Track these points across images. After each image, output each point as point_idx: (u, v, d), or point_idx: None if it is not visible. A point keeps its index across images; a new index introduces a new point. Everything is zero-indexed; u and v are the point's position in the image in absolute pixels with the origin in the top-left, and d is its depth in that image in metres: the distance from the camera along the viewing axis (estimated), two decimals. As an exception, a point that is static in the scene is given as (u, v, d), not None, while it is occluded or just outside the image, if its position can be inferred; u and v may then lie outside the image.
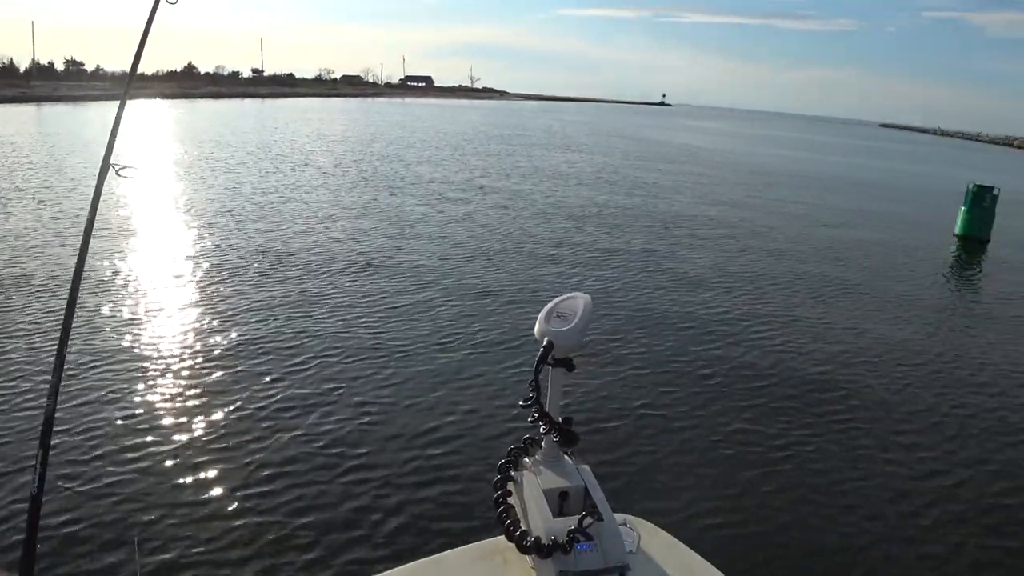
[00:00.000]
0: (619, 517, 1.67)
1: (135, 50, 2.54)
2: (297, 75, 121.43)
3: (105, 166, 2.18)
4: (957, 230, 16.16)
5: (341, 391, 5.99)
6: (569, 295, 1.65)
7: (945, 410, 6.64)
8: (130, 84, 2.63)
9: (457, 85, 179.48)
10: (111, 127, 2.20)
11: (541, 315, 1.62)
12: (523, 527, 1.48)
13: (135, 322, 7.30)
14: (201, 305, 8.01)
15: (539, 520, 1.44)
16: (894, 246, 14.79)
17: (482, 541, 1.64)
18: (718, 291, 10.12)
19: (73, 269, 2.11)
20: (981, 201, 15.76)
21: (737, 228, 15.47)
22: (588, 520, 1.41)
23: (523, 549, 1.43)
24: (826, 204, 21.15)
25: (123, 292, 8.25)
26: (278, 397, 5.82)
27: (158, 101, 52.00)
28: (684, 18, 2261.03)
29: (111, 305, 7.75)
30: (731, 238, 14.22)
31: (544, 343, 1.55)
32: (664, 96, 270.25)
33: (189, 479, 4.60)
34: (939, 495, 5.15)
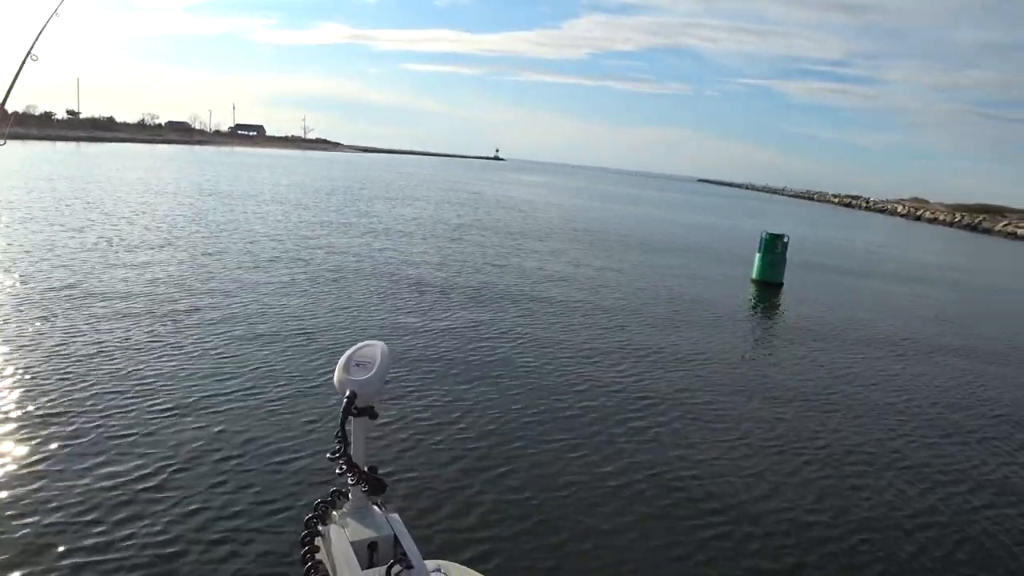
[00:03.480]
0: (432, 563, 1.70)
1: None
2: (118, 118, 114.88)
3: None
4: (754, 275, 17.63)
5: (138, 439, 5.78)
6: (365, 343, 1.66)
7: (748, 431, 7.26)
8: None
9: (290, 135, 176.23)
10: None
11: (340, 365, 1.62)
12: None
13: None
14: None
15: (347, 573, 1.42)
16: (698, 292, 15.88)
17: None
18: (519, 335, 10.42)
19: None
20: (773, 248, 17.28)
21: (548, 278, 16.10)
22: (397, 568, 1.39)
23: None
24: (635, 254, 22.45)
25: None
26: (80, 442, 5.57)
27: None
28: (521, 76, 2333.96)
29: None
30: (539, 287, 14.81)
31: (347, 394, 1.55)
32: (498, 151, 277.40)
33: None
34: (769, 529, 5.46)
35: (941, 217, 79.77)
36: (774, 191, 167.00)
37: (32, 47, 2.64)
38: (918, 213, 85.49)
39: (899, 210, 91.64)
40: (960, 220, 74.90)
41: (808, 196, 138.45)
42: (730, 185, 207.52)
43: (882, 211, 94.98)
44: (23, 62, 2.53)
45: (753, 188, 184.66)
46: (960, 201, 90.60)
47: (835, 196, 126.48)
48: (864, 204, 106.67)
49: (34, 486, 4.96)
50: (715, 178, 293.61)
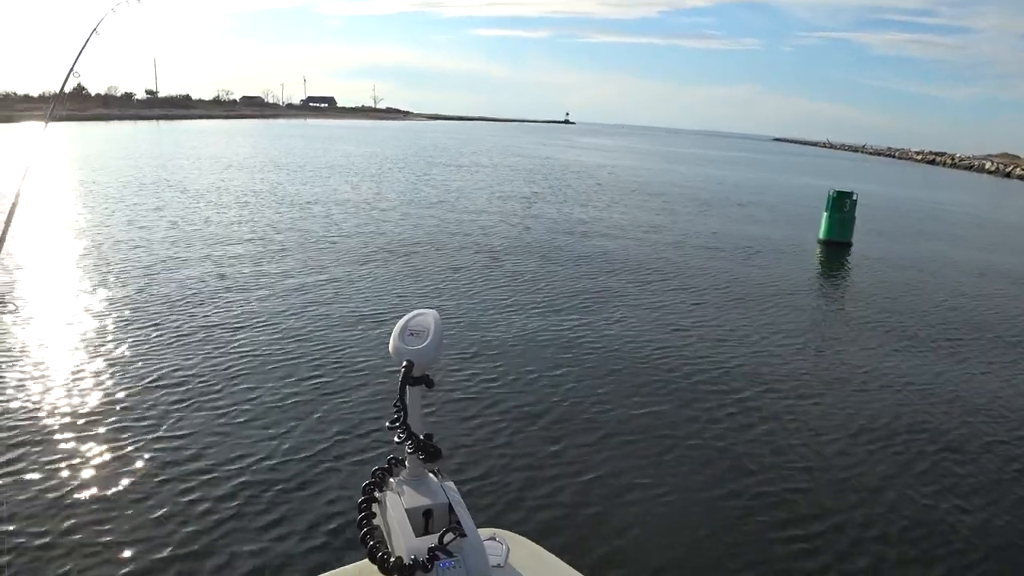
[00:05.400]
0: (488, 531, 1.72)
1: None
2: (194, 96, 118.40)
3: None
4: (821, 235, 17.24)
5: (197, 416, 6.01)
6: (418, 312, 1.68)
7: (817, 403, 7.14)
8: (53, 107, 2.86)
9: (360, 106, 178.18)
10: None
11: (395, 334, 1.62)
12: (388, 548, 1.47)
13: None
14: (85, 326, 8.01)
15: (401, 539, 1.44)
16: (764, 252, 15.65)
17: (347, 565, 1.64)
18: (577, 297, 10.48)
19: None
20: (841, 206, 16.81)
21: (620, 246, 16.05)
22: (450, 536, 1.41)
23: (385, 570, 1.41)
24: (706, 216, 22.11)
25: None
26: (148, 418, 5.92)
27: (41, 124, 49.84)
28: (590, 38, 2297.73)
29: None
30: (609, 255, 14.79)
31: (404, 363, 1.57)
32: (568, 114, 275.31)
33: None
34: (821, 498, 5.26)
35: (1033, 173, 75.77)
36: (853, 148, 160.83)
37: (74, 65, 2.87)
38: (1008, 170, 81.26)
39: (987, 167, 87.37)
40: (1053, 176, 70.96)
41: (889, 153, 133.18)
42: (806, 143, 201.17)
43: (969, 168, 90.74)
44: (66, 77, 2.75)
45: (831, 146, 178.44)
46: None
47: (918, 153, 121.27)
48: (949, 161, 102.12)
49: (101, 462, 5.34)
50: (791, 136, 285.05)
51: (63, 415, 5.71)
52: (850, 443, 6.17)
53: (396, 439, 1.53)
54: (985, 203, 39.82)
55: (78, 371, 6.65)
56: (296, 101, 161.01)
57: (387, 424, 1.53)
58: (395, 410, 1.53)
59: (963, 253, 17.98)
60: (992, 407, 7.27)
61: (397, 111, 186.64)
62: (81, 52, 2.94)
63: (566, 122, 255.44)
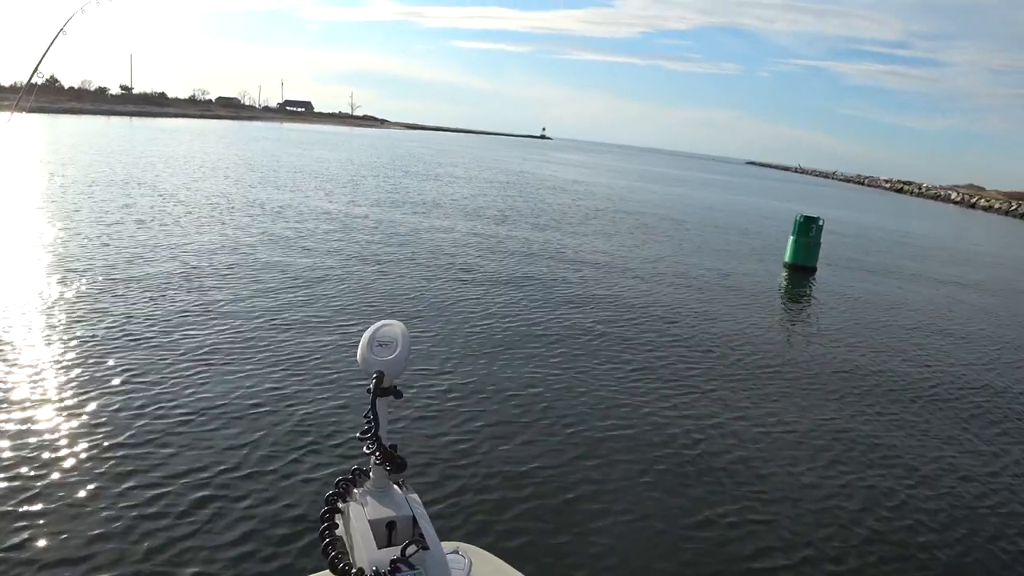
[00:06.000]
0: (451, 545, 1.72)
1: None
2: (169, 94, 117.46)
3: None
4: (786, 259, 17.45)
5: (159, 424, 5.98)
6: (384, 323, 1.66)
7: (772, 429, 7.27)
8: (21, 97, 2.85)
9: (337, 112, 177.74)
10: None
11: (362, 345, 1.60)
12: (350, 559, 1.46)
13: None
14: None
15: (363, 551, 1.43)
16: (729, 275, 15.83)
17: None
18: (549, 317, 10.52)
19: None
20: (807, 231, 17.04)
21: (588, 262, 16.15)
22: (412, 549, 1.40)
23: None
24: (674, 235, 22.36)
25: None
26: (108, 425, 5.88)
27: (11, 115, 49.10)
28: (570, 55, 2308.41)
29: None
30: (578, 272, 14.89)
31: (375, 374, 1.56)
32: (544, 129, 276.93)
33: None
34: (783, 519, 5.42)
35: (997, 205, 77.51)
36: (824, 175, 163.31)
37: (38, 65, 2.90)
38: (972, 200, 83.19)
39: (953, 197, 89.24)
40: (1016, 208, 72.66)
41: (859, 181, 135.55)
42: (779, 168, 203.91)
43: (935, 198, 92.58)
44: (31, 77, 2.79)
45: (802, 171, 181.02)
46: (1018, 189, 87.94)
47: (887, 181, 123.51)
48: (916, 190, 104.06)
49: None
50: (764, 160, 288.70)
51: (19, 421, 5.62)
52: (823, 474, 6.22)
53: (365, 449, 1.52)
54: (951, 233, 40.54)
55: (37, 375, 6.57)
56: (273, 104, 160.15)
57: (358, 435, 1.51)
58: (366, 421, 1.52)
59: (928, 286, 18.16)
60: (960, 459, 7.15)
61: (374, 119, 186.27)
62: (46, 53, 2.96)
63: (542, 137, 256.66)
